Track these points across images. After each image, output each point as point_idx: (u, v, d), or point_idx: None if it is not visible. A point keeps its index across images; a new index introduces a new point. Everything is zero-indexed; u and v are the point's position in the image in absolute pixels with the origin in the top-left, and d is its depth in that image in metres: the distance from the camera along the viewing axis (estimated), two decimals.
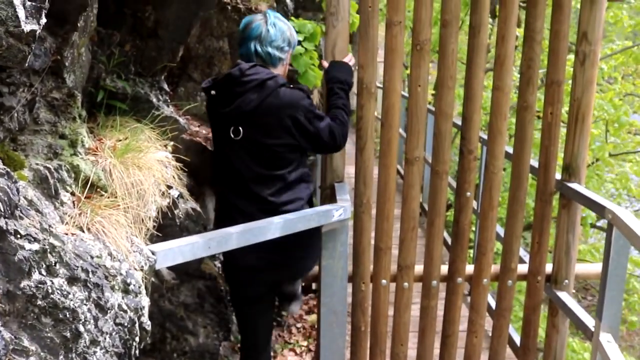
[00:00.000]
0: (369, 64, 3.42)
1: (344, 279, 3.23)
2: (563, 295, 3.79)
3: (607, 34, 10.24)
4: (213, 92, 2.90)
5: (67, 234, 1.93)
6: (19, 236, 1.68)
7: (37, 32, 1.45)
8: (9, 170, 1.69)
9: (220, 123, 2.97)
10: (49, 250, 1.75)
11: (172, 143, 2.89)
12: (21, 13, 1.42)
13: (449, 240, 3.98)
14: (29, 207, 1.82)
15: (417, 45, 3.42)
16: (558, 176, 3.74)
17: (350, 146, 3.56)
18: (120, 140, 2.39)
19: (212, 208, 3.50)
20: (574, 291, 4.06)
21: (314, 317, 5.13)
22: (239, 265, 3.06)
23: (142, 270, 2.14)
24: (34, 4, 1.45)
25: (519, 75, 3.63)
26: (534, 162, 3.80)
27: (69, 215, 2.03)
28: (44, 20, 1.50)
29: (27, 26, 1.43)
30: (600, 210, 3.30)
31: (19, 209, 1.71)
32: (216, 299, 3.37)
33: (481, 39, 3.46)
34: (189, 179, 3.13)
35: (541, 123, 3.68)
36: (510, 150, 3.82)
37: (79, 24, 1.84)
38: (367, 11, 3.36)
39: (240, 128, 2.90)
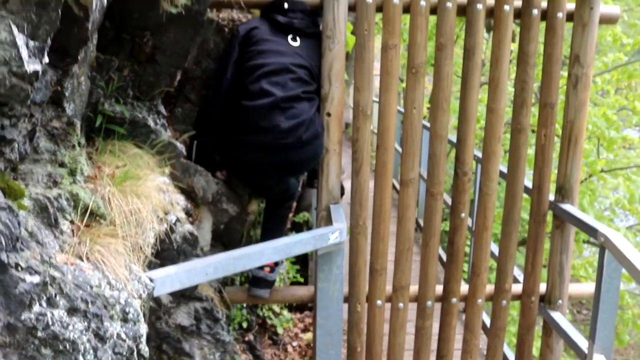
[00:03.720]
0: (365, 87, 3.45)
1: (339, 301, 3.25)
2: (557, 316, 3.81)
3: (601, 48, 10.31)
4: None
5: (66, 264, 1.95)
6: (20, 269, 1.70)
7: (40, 72, 1.48)
8: (10, 204, 1.71)
9: None
10: (49, 282, 1.76)
11: (169, 168, 2.91)
12: (24, 53, 1.44)
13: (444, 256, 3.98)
14: (29, 239, 1.84)
15: (412, 68, 3.46)
16: (551, 197, 3.78)
17: (347, 160, 3.60)
18: (118, 167, 2.42)
19: (209, 229, 3.52)
20: (569, 307, 4.09)
21: (309, 335, 5.14)
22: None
23: (140, 298, 2.15)
24: (36, 44, 1.48)
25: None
26: (528, 182, 3.84)
27: (68, 244, 2.05)
28: (46, 59, 1.52)
29: (30, 66, 1.46)
30: (592, 232, 3.33)
31: (20, 241, 1.73)
32: (213, 320, 3.38)
33: (475, 61, 3.50)
34: (186, 201, 3.15)
35: (535, 144, 3.71)
36: (504, 168, 3.86)
37: (79, 57, 1.86)
38: (363, 35, 3.40)
39: None
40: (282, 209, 3.78)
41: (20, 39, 1.43)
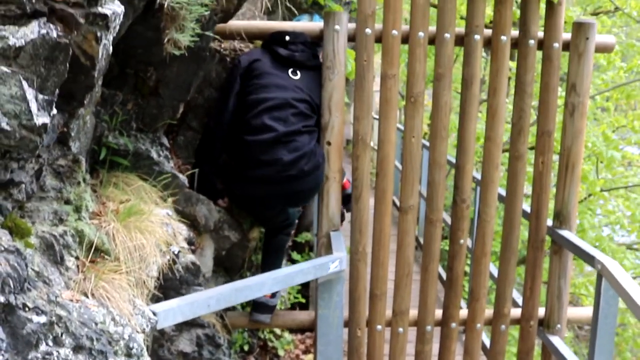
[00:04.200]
0: (364, 116, 3.51)
1: (339, 328, 3.29)
2: (555, 340, 3.85)
3: (600, 65, 10.37)
4: None
5: (72, 301, 2.00)
6: (27, 309, 1.75)
7: (48, 124, 1.53)
8: (18, 246, 1.76)
9: None
10: (55, 321, 1.81)
11: (172, 198, 2.96)
12: (34, 107, 1.50)
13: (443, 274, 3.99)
14: (36, 278, 1.89)
15: (411, 97, 3.52)
16: (550, 222, 3.83)
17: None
18: (122, 202, 2.47)
19: (211, 255, 3.57)
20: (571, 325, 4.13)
21: (310, 356, 5.18)
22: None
23: (143, 332, 2.20)
24: (45, 97, 1.54)
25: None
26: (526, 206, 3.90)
27: (74, 281, 2.10)
28: (54, 112, 1.58)
29: (40, 119, 1.51)
30: (589, 259, 3.38)
31: (27, 281, 1.78)
32: (214, 346, 3.42)
33: (473, 91, 3.56)
34: (189, 229, 3.20)
35: (533, 172, 3.77)
36: (503, 191, 3.91)
37: (85, 102, 1.92)
38: (362, 65, 3.46)
39: None
40: (281, 236, 3.85)
41: (29, 93, 1.49)
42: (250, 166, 3.39)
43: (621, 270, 3.10)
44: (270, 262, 3.80)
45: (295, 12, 3.86)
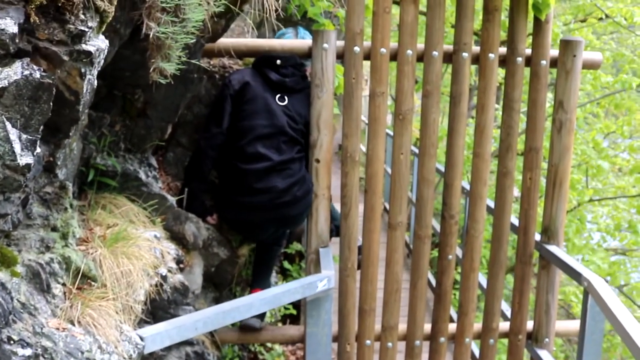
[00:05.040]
0: (353, 133, 3.52)
1: (327, 346, 3.31)
2: (543, 354, 3.88)
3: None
4: None
5: (58, 329, 2.00)
6: (12, 342, 1.75)
7: (32, 164, 1.54)
8: (3, 279, 1.77)
9: None
10: (41, 353, 1.82)
11: (161, 218, 2.97)
12: (17, 147, 1.51)
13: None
14: (22, 310, 1.89)
15: (399, 115, 3.53)
16: (538, 236, 3.86)
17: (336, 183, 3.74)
18: (110, 227, 2.48)
19: (200, 272, 3.57)
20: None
21: None
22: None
23: (130, 358, 2.21)
24: (29, 137, 1.54)
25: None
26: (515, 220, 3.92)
27: (60, 309, 2.11)
28: (38, 150, 1.59)
29: (23, 159, 1.52)
30: (576, 276, 3.40)
31: (12, 314, 1.79)
32: None
33: (461, 108, 3.58)
34: (177, 248, 3.21)
35: (521, 187, 3.79)
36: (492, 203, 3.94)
37: (71, 133, 1.93)
38: (350, 83, 3.47)
39: None
40: (274, 247, 3.92)
41: (13, 134, 1.50)
42: (244, 193, 3.45)
43: (607, 287, 3.13)
44: (261, 271, 3.87)
45: (283, 26, 3.85)
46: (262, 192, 3.42)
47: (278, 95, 3.52)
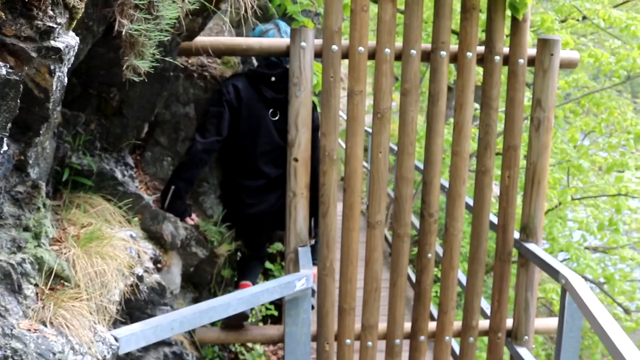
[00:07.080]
0: (331, 131, 3.51)
1: (307, 345, 3.29)
2: (523, 352, 3.89)
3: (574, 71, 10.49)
4: None
5: (30, 330, 1.97)
6: None
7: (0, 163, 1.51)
8: None
9: None
10: (10, 355, 1.79)
11: (137, 218, 2.95)
12: None
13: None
14: None
15: (377, 113, 3.53)
16: (517, 234, 3.87)
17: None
18: (84, 227, 2.45)
19: (179, 272, 3.55)
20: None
21: None
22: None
23: (104, 359, 2.18)
24: None
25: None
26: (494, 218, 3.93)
27: (32, 310, 2.08)
28: (5, 148, 1.56)
29: None
30: (554, 273, 3.42)
31: None
32: None
33: (440, 107, 3.58)
34: (155, 248, 3.19)
35: (499, 186, 3.80)
36: (470, 201, 3.95)
37: (41, 131, 1.90)
38: (329, 81, 3.46)
39: None
40: (264, 249, 4.30)
41: None
42: (244, 206, 3.80)
43: (584, 285, 3.14)
44: (254, 266, 4.12)
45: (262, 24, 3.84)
46: (259, 204, 3.78)
47: (271, 111, 3.71)
